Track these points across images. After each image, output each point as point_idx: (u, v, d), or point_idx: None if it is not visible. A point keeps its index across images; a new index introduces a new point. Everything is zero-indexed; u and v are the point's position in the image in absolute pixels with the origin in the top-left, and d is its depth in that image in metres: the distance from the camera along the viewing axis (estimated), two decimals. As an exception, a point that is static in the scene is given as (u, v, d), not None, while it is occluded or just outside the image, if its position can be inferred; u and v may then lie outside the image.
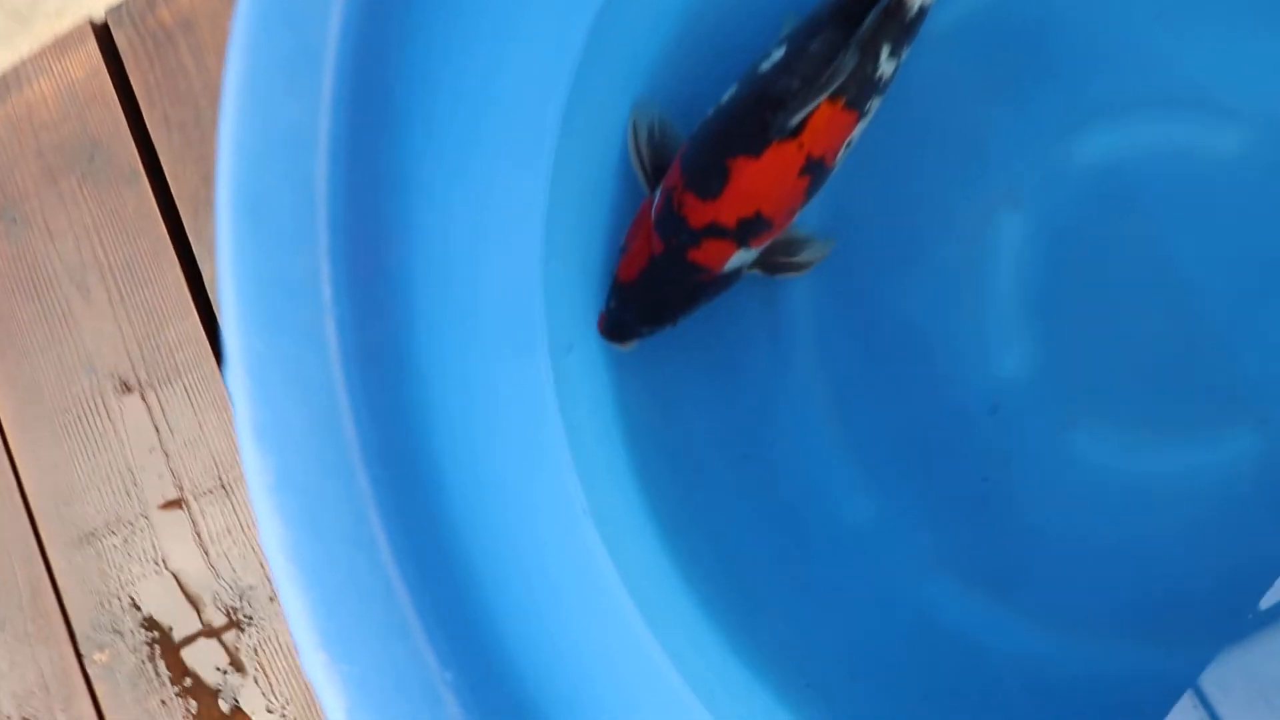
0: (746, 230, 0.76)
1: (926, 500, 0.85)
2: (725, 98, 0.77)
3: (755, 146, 0.74)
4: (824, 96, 0.72)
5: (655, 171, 0.80)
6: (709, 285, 0.79)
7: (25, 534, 1.09)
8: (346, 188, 0.49)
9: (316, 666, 0.46)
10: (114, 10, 1.12)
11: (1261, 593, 0.80)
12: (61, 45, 1.14)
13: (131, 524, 1.07)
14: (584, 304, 0.79)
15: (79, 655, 1.07)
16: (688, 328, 0.82)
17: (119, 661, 1.06)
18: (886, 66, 0.76)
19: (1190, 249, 0.84)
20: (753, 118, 0.74)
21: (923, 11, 0.77)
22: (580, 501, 0.68)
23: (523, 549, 0.58)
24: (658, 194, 0.78)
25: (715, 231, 0.76)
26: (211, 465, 1.05)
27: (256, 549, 1.05)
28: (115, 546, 1.07)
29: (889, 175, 0.87)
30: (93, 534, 1.08)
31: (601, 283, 0.81)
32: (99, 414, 1.09)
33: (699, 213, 0.75)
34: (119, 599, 1.07)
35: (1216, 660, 0.80)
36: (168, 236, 1.09)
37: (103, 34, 1.14)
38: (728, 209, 0.75)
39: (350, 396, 0.48)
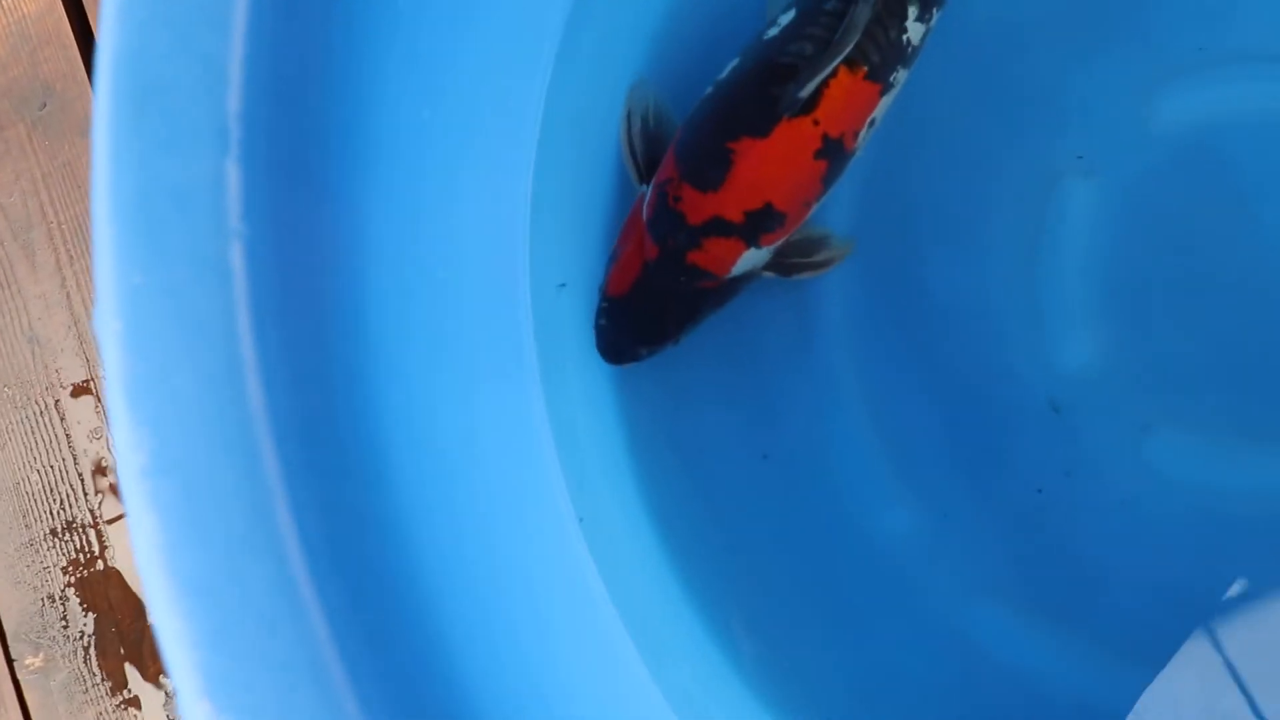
0: (755, 225, 0.65)
1: (972, 513, 0.73)
2: (726, 72, 0.66)
3: (762, 125, 0.63)
4: (838, 60, 0.62)
5: (649, 165, 0.69)
6: (714, 293, 0.68)
7: (-49, 521, 0.97)
8: (271, 70, 0.36)
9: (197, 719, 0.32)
10: None
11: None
12: (13, -22, 1.04)
13: (73, 515, 0.95)
14: (577, 236, 0.67)
15: (9, 660, 0.95)
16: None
17: (53, 667, 0.94)
18: (914, 31, 0.65)
19: (1287, 226, 0.72)
20: (758, 92, 0.64)
21: None
22: (567, 506, 0.55)
23: (492, 560, 0.45)
24: (649, 189, 0.67)
25: (718, 228, 0.65)
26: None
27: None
28: (53, 540, 0.96)
29: (934, 135, 0.75)
30: (28, 525, 0.96)
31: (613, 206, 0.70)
32: (40, 390, 0.97)
33: (699, 207, 0.65)
34: (56, 598, 0.95)
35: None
36: (123, 194, 0.97)
37: None
38: (732, 201, 0.64)
39: (260, 348, 0.35)
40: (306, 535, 0.35)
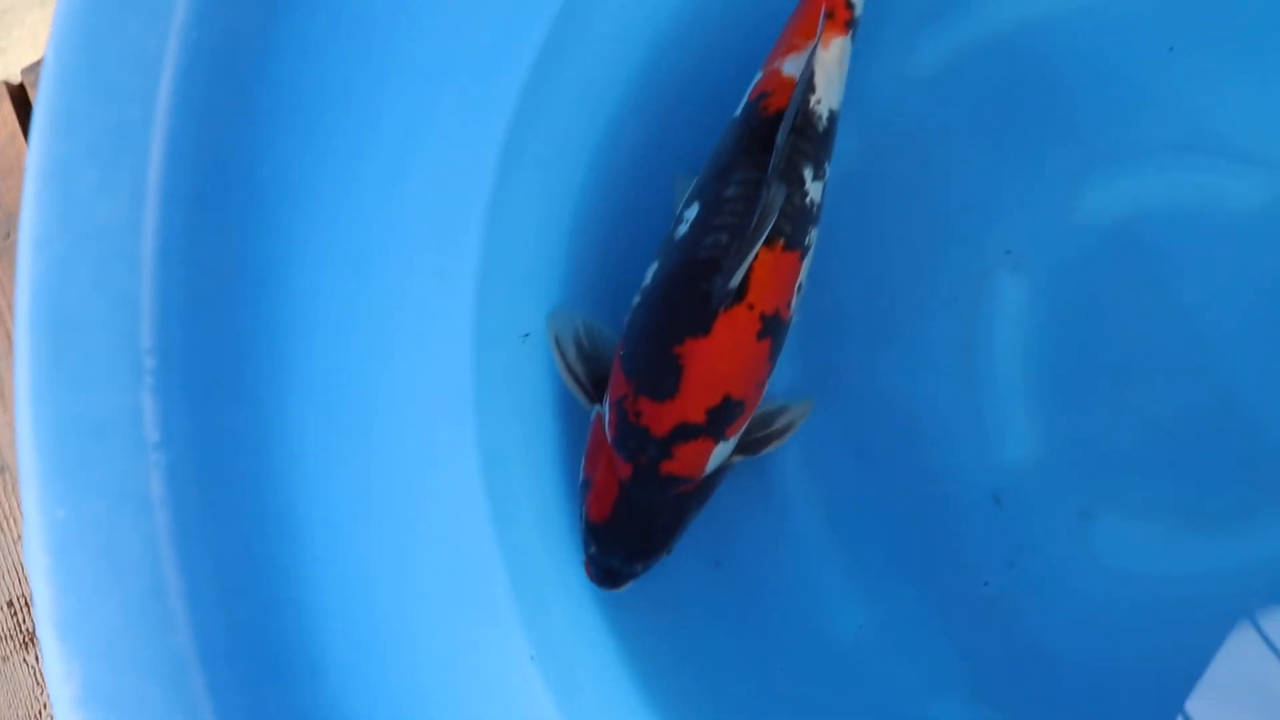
0: (719, 420, 0.65)
1: (923, 610, 0.74)
2: (648, 278, 0.67)
3: (701, 323, 0.63)
4: (759, 244, 0.62)
5: (596, 385, 0.69)
6: (695, 495, 0.67)
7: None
8: (185, 297, 0.37)
9: None
10: (30, 70, 1.05)
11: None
12: (-27, 111, 1.04)
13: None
14: (524, 389, 0.68)
15: None
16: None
17: None
18: (814, 190, 0.66)
19: (1214, 312, 0.73)
20: (688, 291, 0.64)
21: (833, 118, 0.67)
22: (520, 643, 0.56)
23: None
24: (606, 409, 0.67)
25: (685, 433, 0.64)
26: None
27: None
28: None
29: (869, 240, 0.76)
30: (27, 643, 0.97)
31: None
32: (13, 521, 0.99)
33: (661, 417, 0.64)
34: (39, 716, 0.95)
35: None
36: (86, 317, 0.98)
37: (19, 96, 1.06)
38: (692, 403, 0.64)
39: (184, 572, 0.36)
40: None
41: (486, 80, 0.58)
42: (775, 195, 0.62)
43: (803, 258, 0.66)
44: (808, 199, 0.66)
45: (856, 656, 0.72)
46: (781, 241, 0.64)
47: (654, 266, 0.67)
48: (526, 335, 0.68)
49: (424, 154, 0.54)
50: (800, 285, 0.67)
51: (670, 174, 0.70)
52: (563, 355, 0.69)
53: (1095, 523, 0.72)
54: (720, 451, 0.66)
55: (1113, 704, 0.71)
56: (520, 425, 0.66)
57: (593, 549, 0.67)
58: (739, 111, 0.68)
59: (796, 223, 0.65)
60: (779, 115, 0.65)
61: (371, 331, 0.48)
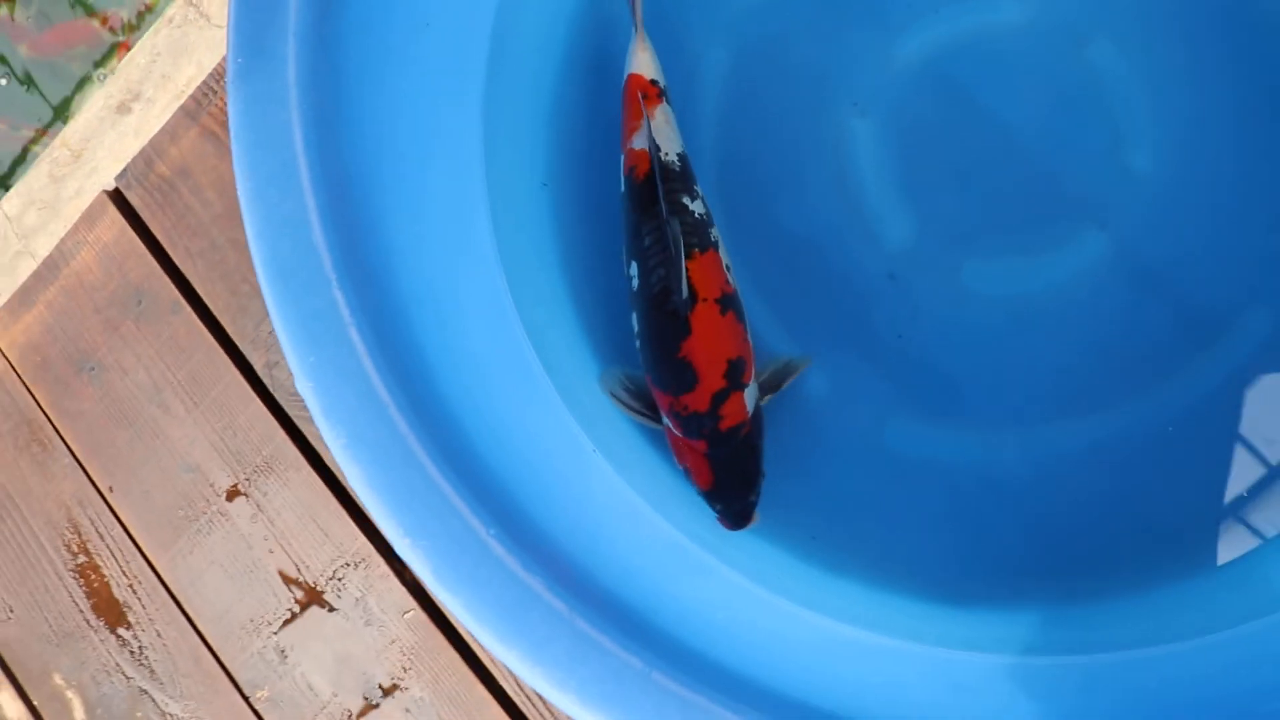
0: (735, 376, 0.92)
1: (860, 365, 1.07)
2: (635, 325, 0.96)
3: (683, 329, 0.91)
4: (683, 264, 0.90)
5: (651, 408, 0.97)
6: (754, 430, 0.94)
7: (175, 615, 1.35)
8: (341, 249, 0.77)
9: (405, 549, 0.73)
10: (121, 176, 1.39)
11: (1134, 359, 1.03)
12: (89, 218, 1.40)
13: (250, 582, 1.32)
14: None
15: (245, 697, 1.31)
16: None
17: (278, 693, 1.30)
18: (696, 207, 0.96)
19: (1006, 106, 1.08)
20: (662, 316, 0.92)
21: (683, 157, 0.98)
22: (585, 440, 0.95)
23: (535, 460, 0.86)
24: (666, 420, 0.95)
25: (720, 398, 0.92)
26: (303, 511, 1.31)
27: (383, 585, 1.29)
28: (248, 608, 1.31)
29: (758, 118, 1.11)
30: (225, 601, 1.32)
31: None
32: (205, 501, 1.34)
33: (697, 399, 0.91)
34: (267, 649, 1.31)
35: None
36: (218, 345, 1.34)
37: (118, 198, 1.40)
38: (710, 378, 0.91)
39: (381, 378, 0.77)
40: (432, 456, 0.77)
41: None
42: (673, 228, 0.91)
43: (717, 248, 0.94)
44: (696, 215, 0.94)
45: (825, 411, 1.06)
46: (696, 249, 0.93)
47: (634, 315, 0.96)
48: (544, 184, 1.03)
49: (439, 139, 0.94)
50: (728, 265, 0.95)
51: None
52: (620, 400, 0.98)
53: (963, 271, 1.05)
54: (750, 393, 0.94)
55: (996, 399, 1.05)
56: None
57: (718, 506, 0.93)
58: (622, 187, 0.98)
59: (699, 233, 0.93)
60: (648, 177, 0.94)
61: (431, 236, 0.88)
